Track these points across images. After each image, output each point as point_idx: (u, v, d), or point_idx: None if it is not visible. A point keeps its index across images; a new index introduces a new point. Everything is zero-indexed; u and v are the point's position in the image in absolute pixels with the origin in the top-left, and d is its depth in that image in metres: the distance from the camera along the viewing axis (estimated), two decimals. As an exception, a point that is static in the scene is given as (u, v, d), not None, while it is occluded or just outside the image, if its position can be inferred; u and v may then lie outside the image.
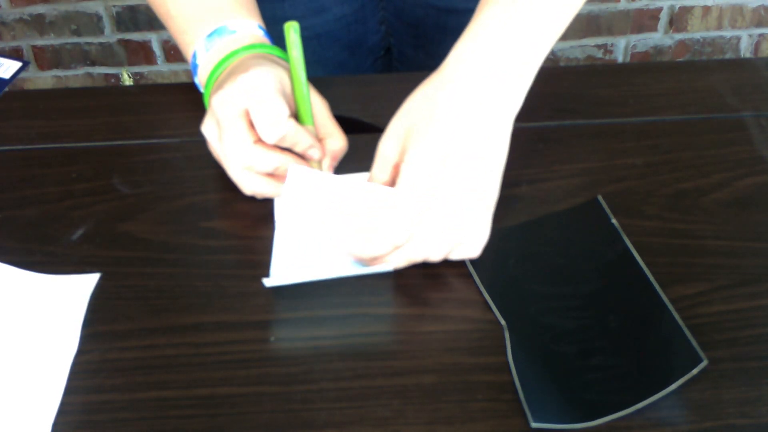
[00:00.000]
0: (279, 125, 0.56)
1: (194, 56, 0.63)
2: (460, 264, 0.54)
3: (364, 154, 0.57)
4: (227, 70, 0.60)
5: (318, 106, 0.61)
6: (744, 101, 0.69)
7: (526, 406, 0.46)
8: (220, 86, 0.59)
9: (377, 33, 0.93)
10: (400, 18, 0.90)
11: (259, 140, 0.57)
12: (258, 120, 0.56)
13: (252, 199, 0.59)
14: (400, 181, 0.53)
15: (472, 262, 0.54)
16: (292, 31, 0.57)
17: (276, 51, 0.63)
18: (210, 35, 0.62)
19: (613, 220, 0.56)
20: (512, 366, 0.48)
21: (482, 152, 0.53)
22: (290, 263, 0.55)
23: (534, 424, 0.45)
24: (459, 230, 0.53)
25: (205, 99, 0.63)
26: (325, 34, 0.88)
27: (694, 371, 0.46)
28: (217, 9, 0.63)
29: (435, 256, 0.54)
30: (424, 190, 0.52)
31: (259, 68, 0.58)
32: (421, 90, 0.55)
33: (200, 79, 0.64)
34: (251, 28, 0.64)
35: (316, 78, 0.61)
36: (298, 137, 0.57)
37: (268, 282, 0.53)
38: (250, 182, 0.58)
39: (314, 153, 0.58)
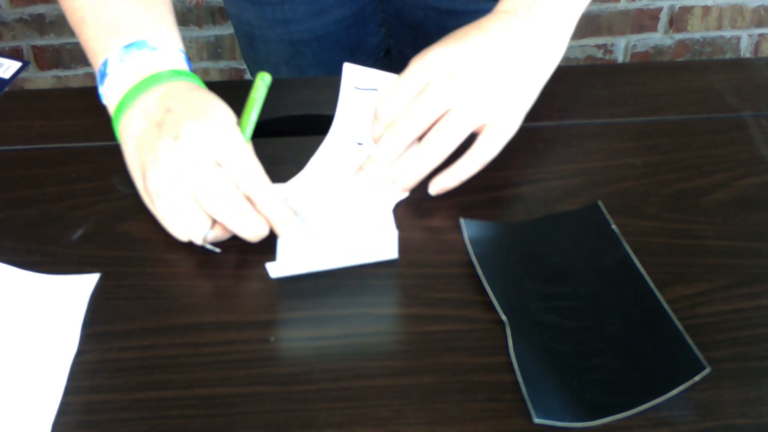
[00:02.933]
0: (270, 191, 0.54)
1: (105, 64, 0.59)
2: (461, 263, 0.54)
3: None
4: (158, 99, 0.56)
5: None
6: (744, 101, 0.69)
7: (529, 402, 0.46)
8: (165, 127, 0.54)
9: (377, 35, 0.93)
10: (400, 20, 0.90)
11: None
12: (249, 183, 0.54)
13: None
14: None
15: (476, 255, 0.54)
16: (261, 81, 0.59)
17: (198, 81, 0.59)
18: (127, 46, 0.58)
19: (614, 227, 0.56)
20: (514, 362, 0.48)
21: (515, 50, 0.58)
22: (296, 252, 0.55)
23: (537, 420, 0.45)
24: (482, 103, 0.57)
25: (115, 121, 0.58)
26: (326, 35, 0.89)
27: (696, 378, 0.46)
28: (136, 23, 0.60)
29: (457, 130, 0.57)
30: (436, 61, 0.57)
31: (217, 112, 0.55)
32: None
33: (108, 90, 0.59)
34: (172, 48, 0.60)
35: (317, 78, 0.61)
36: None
37: (273, 273, 0.53)
38: (259, 225, 0.55)
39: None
